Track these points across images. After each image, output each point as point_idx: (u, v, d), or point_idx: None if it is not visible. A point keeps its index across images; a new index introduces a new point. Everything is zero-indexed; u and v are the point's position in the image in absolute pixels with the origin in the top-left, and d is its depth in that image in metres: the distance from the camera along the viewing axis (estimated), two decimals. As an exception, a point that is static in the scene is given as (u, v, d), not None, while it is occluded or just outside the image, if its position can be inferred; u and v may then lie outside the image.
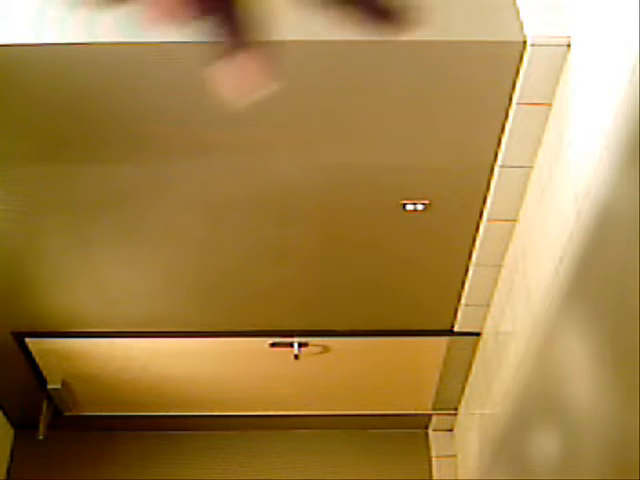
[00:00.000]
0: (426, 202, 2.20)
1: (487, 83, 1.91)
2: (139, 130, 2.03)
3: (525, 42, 1.81)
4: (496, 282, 2.48)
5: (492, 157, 2.08)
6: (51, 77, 1.91)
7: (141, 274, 2.51)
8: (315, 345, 2.82)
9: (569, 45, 1.79)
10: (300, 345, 2.81)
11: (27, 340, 2.81)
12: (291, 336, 2.79)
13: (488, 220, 2.26)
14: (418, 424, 3.35)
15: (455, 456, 3.30)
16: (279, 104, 1.97)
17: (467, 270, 2.46)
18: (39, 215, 2.29)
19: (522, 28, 1.83)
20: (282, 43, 1.84)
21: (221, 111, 1.98)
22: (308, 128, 2.03)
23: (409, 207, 2.21)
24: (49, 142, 2.08)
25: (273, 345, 2.81)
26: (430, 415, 3.30)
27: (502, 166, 2.09)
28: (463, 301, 2.58)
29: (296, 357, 2.81)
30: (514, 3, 1.88)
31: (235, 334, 2.77)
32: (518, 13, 1.86)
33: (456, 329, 2.72)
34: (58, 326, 2.73)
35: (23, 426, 3.32)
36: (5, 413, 3.26)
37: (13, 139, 2.08)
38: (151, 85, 1.93)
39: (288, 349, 2.82)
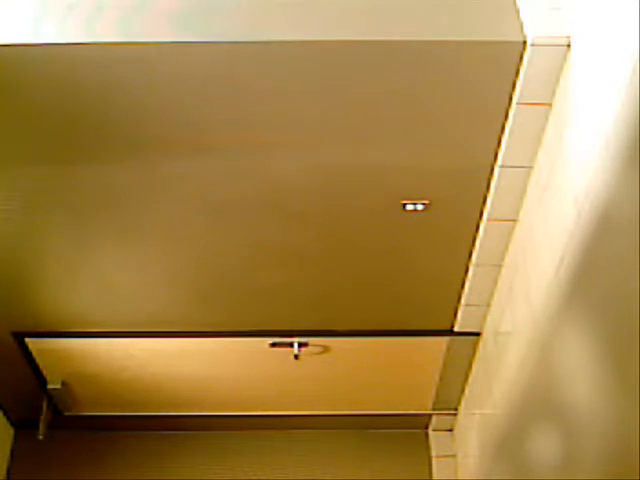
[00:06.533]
0: (426, 202, 2.20)
1: (487, 83, 1.91)
2: (140, 130, 2.03)
3: (525, 42, 1.81)
4: (496, 282, 2.48)
5: (492, 157, 2.08)
6: (50, 77, 1.91)
7: (141, 274, 2.51)
8: (315, 345, 2.82)
9: (569, 45, 1.79)
10: (300, 345, 2.81)
11: (27, 340, 2.81)
12: (291, 336, 2.79)
13: (488, 220, 2.26)
14: (418, 424, 3.35)
15: (455, 456, 3.30)
16: (279, 105, 1.97)
17: (467, 270, 2.46)
18: (39, 215, 2.30)
19: (522, 28, 1.83)
20: (282, 43, 1.84)
21: (221, 111, 1.98)
22: (308, 129, 2.03)
23: (409, 207, 2.21)
24: (49, 142, 2.08)
25: (273, 345, 2.81)
26: (430, 415, 3.30)
27: (502, 166, 2.09)
28: (463, 301, 2.58)
29: (296, 357, 2.81)
30: (514, 3, 1.88)
31: (235, 334, 2.77)
32: (518, 13, 1.86)
33: (456, 329, 2.72)
34: (58, 326, 2.73)
35: (23, 426, 3.32)
36: (5, 413, 3.25)
37: (14, 139, 2.08)
38: (152, 85, 1.93)
39: (288, 349, 2.82)
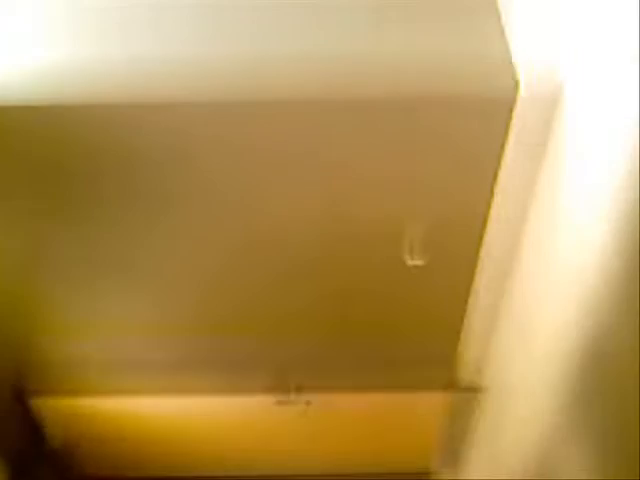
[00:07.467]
0: (424, 254, 2.20)
1: (478, 136, 1.91)
2: (133, 176, 2.05)
3: (517, 94, 1.81)
4: (496, 335, 2.47)
5: (486, 209, 2.07)
6: (44, 135, 1.93)
7: (145, 328, 2.52)
8: (319, 402, 2.80)
9: (563, 94, 1.79)
10: (304, 402, 2.79)
11: (28, 398, 2.80)
12: (294, 393, 2.77)
13: (485, 268, 2.25)
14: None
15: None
16: (274, 161, 1.99)
17: (466, 323, 2.44)
18: (40, 268, 2.30)
19: (514, 78, 1.83)
20: (274, 103, 1.85)
21: (217, 168, 2.00)
22: (303, 182, 2.04)
23: (404, 261, 2.21)
24: (47, 198, 2.09)
25: (278, 403, 2.79)
26: (436, 471, 3.28)
27: (496, 218, 2.09)
28: (464, 356, 2.57)
29: (301, 414, 2.79)
30: (506, 53, 1.89)
31: (239, 392, 2.76)
32: (511, 63, 1.86)
33: (458, 382, 2.70)
34: (60, 384, 2.72)
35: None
36: (6, 473, 3.22)
37: (12, 195, 2.09)
38: (144, 141, 1.95)
39: (293, 407, 2.79)
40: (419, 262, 2.20)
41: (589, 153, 1.66)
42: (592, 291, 1.66)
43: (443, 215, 2.10)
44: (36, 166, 2.01)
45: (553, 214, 1.90)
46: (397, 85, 1.85)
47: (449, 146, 1.94)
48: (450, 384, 2.72)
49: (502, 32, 1.93)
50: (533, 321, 2.14)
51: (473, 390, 2.73)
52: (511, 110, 1.84)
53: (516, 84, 1.82)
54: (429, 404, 2.83)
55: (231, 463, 3.20)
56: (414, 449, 3.12)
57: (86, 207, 2.12)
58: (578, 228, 1.73)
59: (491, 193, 2.03)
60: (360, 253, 2.23)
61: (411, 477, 3.28)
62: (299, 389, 2.76)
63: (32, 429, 2.97)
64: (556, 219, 1.88)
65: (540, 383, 2.06)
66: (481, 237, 2.16)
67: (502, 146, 1.92)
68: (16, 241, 2.22)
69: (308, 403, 2.80)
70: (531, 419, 2.18)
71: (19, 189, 2.07)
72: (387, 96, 1.84)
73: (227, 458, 3.17)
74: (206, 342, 2.56)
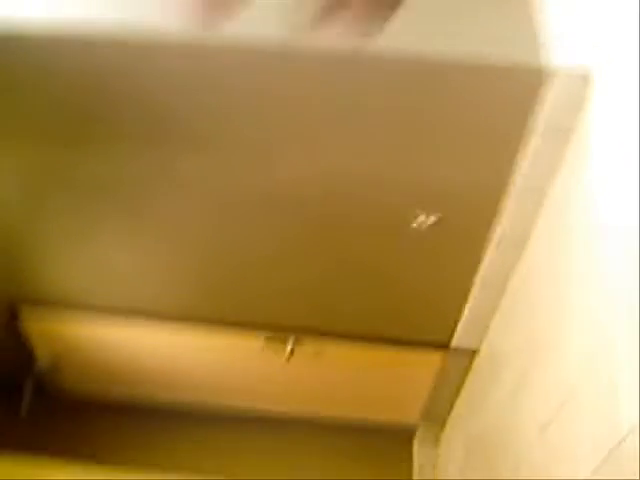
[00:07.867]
0: (437, 217, 2.19)
1: (506, 108, 1.90)
2: (153, 122, 2.02)
3: (546, 71, 1.79)
4: (499, 302, 2.47)
5: (507, 179, 2.06)
6: (61, 62, 1.91)
7: (143, 259, 2.52)
8: (310, 344, 2.81)
9: (590, 75, 1.77)
10: (295, 342, 2.80)
11: (20, 310, 2.80)
12: (287, 332, 2.79)
13: (497, 240, 2.24)
14: (404, 433, 3.35)
15: (438, 467, 3.30)
16: (300, 111, 1.96)
17: (471, 287, 2.44)
18: (44, 192, 2.30)
19: (544, 57, 1.80)
20: (308, 50, 1.83)
21: (235, 108, 1.97)
22: (326, 137, 2.02)
23: (418, 221, 2.20)
24: (59, 123, 2.07)
25: (268, 339, 2.81)
26: (417, 425, 3.31)
27: (516, 189, 2.08)
28: (463, 317, 2.57)
29: (291, 352, 2.81)
30: (537, 32, 1.86)
31: (232, 325, 2.78)
32: (541, 42, 1.83)
33: (453, 344, 2.72)
34: (54, 298, 2.73)
35: (6, 403, 3.28)
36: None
37: (21, 119, 2.07)
38: (167, 81, 1.93)
39: (283, 345, 2.81)
40: (432, 222, 2.19)
41: (616, 137, 1.65)
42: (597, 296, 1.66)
43: (464, 177, 2.08)
44: (49, 89, 1.98)
45: (569, 198, 1.89)
46: (440, 54, 1.83)
47: (479, 114, 1.91)
48: (445, 345, 2.74)
49: (537, 11, 1.91)
50: (532, 295, 2.15)
51: (466, 354, 2.74)
52: (540, 85, 1.82)
53: (547, 61, 1.79)
54: (421, 361, 2.85)
55: (213, 395, 3.22)
56: (398, 402, 3.15)
57: (104, 144, 2.10)
58: (594, 214, 1.73)
59: (514, 165, 2.02)
60: (374, 212, 2.22)
61: (392, 429, 3.31)
62: (289, 329, 2.77)
63: (22, 351, 2.97)
64: (572, 203, 1.88)
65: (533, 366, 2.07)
66: (498, 208, 2.14)
67: (531, 118, 1.89)
68: (25, 162, 2.21)
69: (297, 342, 2.80)
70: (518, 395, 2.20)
71: (29, 112, 2.05)
72: (430, 58, 1.82)
73: (211, 389, 3.19)
74: (206, 275, 2.57)
